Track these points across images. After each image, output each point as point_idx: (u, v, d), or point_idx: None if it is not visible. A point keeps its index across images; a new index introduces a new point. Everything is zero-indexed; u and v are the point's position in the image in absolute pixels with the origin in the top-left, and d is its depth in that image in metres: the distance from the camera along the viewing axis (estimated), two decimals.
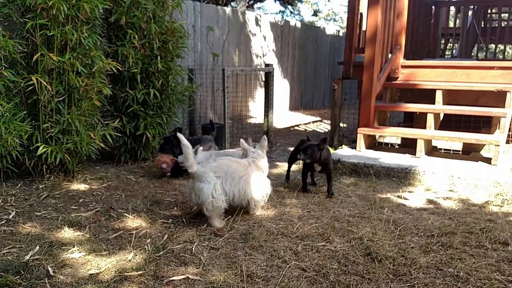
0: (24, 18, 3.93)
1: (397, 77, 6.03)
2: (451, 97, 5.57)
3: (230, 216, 3.40)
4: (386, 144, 5.74)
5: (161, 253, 2.74)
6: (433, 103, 5.45)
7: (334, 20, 21.09)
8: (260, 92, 9.26)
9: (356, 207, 3.71)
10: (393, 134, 5.52)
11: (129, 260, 2.63)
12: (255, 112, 9.23)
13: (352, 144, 5.78)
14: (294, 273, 2.52)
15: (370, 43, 5.36)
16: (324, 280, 2.46)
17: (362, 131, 5.38)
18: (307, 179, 4.25)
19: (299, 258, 2.71)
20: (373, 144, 5.65)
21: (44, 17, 3.90)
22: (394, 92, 6.18)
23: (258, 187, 3.40)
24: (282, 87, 10.18)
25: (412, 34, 7.54)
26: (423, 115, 5.41)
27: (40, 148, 3.91)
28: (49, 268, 2.48)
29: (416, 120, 5.96)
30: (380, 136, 5.71)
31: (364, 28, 6.11)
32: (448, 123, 5.63)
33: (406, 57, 6.44)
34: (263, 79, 6.51)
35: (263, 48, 9.58)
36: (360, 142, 5.36)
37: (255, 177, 3.39)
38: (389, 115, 6.38)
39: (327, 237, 3.03)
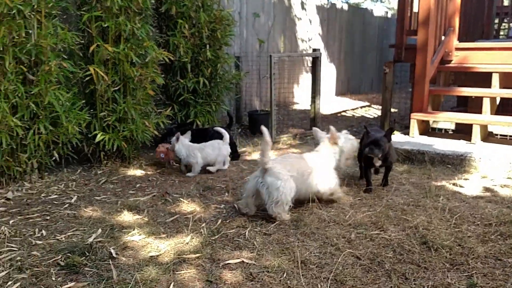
0: (80, 11, 4.10)
1: (451, 60, 5.78)
2: (508, 80, 5.28)
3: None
4: (440, 129, 5.54)
5: (216, 237, 2.82)
6: (489, 86, 5.19)
7: (381, 1, 20.40)
8: (305, 78, 9.17)
9: (410, 195, 3.63)
10: (448, 120, 5.33)
11: (187, 243, 2.73)
12: (300, 98, 9.16)
13: (404, 130, 5.63)
14: (348, 261, 2.52)
15: (423, 25, 5.16)
16: (379, 269, 2.44)
17: (415, 116, 5.22)
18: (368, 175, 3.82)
19: (352, 246, 2.70)
20: (426, 130, 5.48)
21: (98, 9, 4.04)
22: (448, 75, 5.94)
23: (325, 180, 3.36)
24: (328, 72, 10.02)
25: (465, 14, 7.17)
26: (478, 100, 5.17)
27: (98, 135, 4.10)
28: (112, 250, 2.61)
29: (470, 105, 5.71)
30: (433, 121, 5.53)
31: (415, 9, 5.89)
32: (505, 107, 5.35)
33: (460, 39, 6.15)
34: (309, 64, 6.44)
35: (309, 32, 9.45)
36: (414, 127, 5.21)
37: (321, 172, 3.36)
38: (443, 100, 6.15)
39: (381, 225, 2.99)
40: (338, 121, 7.40)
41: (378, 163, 3.65)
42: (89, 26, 4.07)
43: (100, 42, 4.06)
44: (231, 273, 2.39)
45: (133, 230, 2.91)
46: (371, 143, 3.50)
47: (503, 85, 5.23)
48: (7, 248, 2.63)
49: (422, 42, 5.18)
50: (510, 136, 5.09)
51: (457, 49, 5.79)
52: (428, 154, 4.50)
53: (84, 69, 4.07)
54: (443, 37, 5.75)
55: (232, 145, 4.62)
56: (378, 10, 12.81)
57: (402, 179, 4.05)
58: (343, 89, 10.77)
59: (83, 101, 4.17)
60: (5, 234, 2.81)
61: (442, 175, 4.16)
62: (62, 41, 3.85)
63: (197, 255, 2.58)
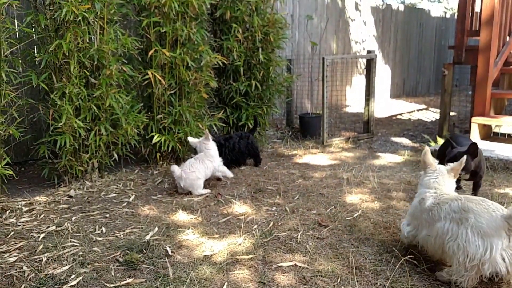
0: (139, 17, 4.25)
1: None
2: None
3: (333, 207, 3.39)
4: (503, 134, 5.24)
5: (268, 239, 2.82)
6: None
7: (439, 1, 19.63)
8: (358, 80, 8.99)
9: None
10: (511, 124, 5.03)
11: (239, 244, 2.75)
12: (353, 100, 8.99)
13: (464, 134, 5.37)
14: (405, 268, 2.43)
15: (486, 25, 4.91)
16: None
17: (476, 120, 4.97)
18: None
19: (409, 253, 2.60)
20: (488, 134, 5.20)
21: (157, 15, 4.18)
22: None
23: None
24: (383, 74, 9.76)
25: None
26: None
27: (155, 137, 4.24)
28: (168, 248, 2.68)
29: None
30: (496, 125, 5.23)
31: (477, 9, 5.62)
32: None
33: None
34: (362, 66, 6.31)
35: (363, 33, 9.26)
36: (474, 132, 4.96)
37: None
38: (506, 103, 5.82)
39: None
40: (393, 124, 7.18)
41: (465, 177, 3.31)
42: (148, 32, 4.22)
43: (158, 47, 4.19)
44: (283, 275, 2.38)
45: (188, 229, 2.97)
46: (450, 161, 2.88)
47: None
48: (70, 244, 2.77)
49: (485, 43, 4.93)
50: None
51: None
52: (490, 159, 4.26)
53: (142, 73, 4.22)
54: (507, 38, 5.44)
55: (254, 149, 4.62)
56: (436, 10, 12.34)
57: (463, 185, 3.86)
58: (398, 92, 10.45)
59: (141, 104, 4.33)
60: (68, 230, 2.97)
61: (506, 182, 3.93)
62: (123, 46, 4.01)
63: (250, 256, 2.59)
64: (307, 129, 6.13)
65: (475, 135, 4.95)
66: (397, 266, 2.45)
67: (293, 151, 5.36)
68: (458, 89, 7.42)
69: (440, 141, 5.31)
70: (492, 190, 3.71)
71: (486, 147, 4.67)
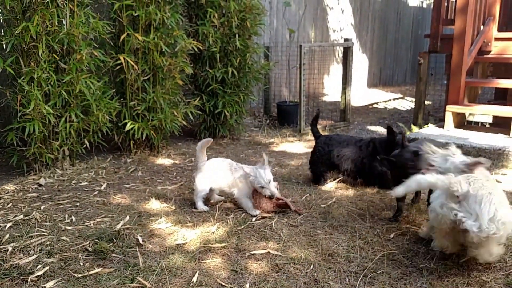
0: (111, 0, 4.11)
1: (490, 51, 5.53)
2: None
3: (308, 195, 3.38)
4: (476, 123, 5.33)
5: (242, 227, 2.79)
6: None
7: None
8: (335, 69, 9.00)
9: None
10: (485, 112, 5.11)
11: (213, 232, 2.71)
12: (330, 89, 9.00)
13: (439, 122, 5.44)
14: (378, 255, 2.44)
15: (461, 13, 4.95)
16: (411, 264, 2.35)
17: (450, 109, 5.03)
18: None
19: (382, 240, 2.62)
20: (462, 122, 5.27)
21: None
22: (486, 67, 5.69)
23: None
24: (360, 63, 9.80)
25: (506, 2, 6.84)
26: None
27: (128, 124, 4.14)
28: (139, 237, 2.62)
29: (510, 97, 5.45)
30: (469, 114, 5.31)
31: None
32: None
33: (500, 29, 5.87)
34: (340, 55, 6.31)
35: (341, 22, 9.25)
36: (449, 120, 5.02)
37: None
38: (480, 92, 5.91)
39: (412, 219, 2.89)
40: (370, 113, 7.23)
41: None
42: (120, 15, 4.09)
43: (131, 31, 4.07)
44: (256, 263, 2.36)
45: (160, 218, 2.92)
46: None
47: None
48: (38, 233, 2.68)
49: (459, 31, 4.97)
50: None
51: (497, 39, 5.53)
52: (463, 147, 4.32)
53: (114, 58, 4.10)
54: (482, 27, 5.50)
55: None
56: (413, 0, 12.42)
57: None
58: (375, 81, 10.52)
59: (114, 90, 4.22)
60: (36, 219, 2.87)
61: None
62: (94, 30, 3.88)
63: (223, 244, 2.55)
64: (285, 118, 6.11)
65: (449, 123, 5.01)
66: (369, 253, 2.46)
67: (270, 139, 5.34)
68: (434, 78, 7.50)
69: (415, 129, 5.36)
70: None
71: (460, 135, 4.73)
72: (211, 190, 3.14)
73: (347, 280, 2.20)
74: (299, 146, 5.01)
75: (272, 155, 4.61)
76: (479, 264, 2.33)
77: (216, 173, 3.11)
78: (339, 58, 9.00)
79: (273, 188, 2.95)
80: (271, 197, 2.93)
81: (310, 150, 4.79)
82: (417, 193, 3.14)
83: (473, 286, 2.15)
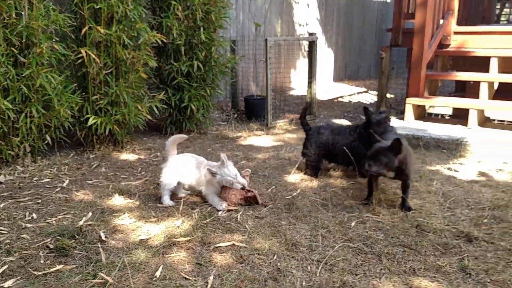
0: None
1: (449, 44, 5.73)
2: (507, 65, 5.23)
3: (274, 187, 3.42)
4: (436, 115, 5.52)
5: (207, 220, 2.80)
6: (487, 71, 5.15)
7: None
8: (302, 63, 9.09)
9: None
10: (444, 105, 5.29)
11: (178, 227, 2.71)
12: (297, 83, 9.08)
13: (400, 115, 5.59)
14: (339, 243, 2.50)
15: (421, 8, 5.09)
16: (370, 251, 2.43)
17: (411, 101, 5.18)
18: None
19: (344, 229, 2.69)
20: (422, 115, 5.45)
21: None
22: (446, 60, 5.88)
23: None
24: (325, 57, 9.93)
25: None
26: (476, 85, 5.13)
27: (90, 119, 4.06)
28: (102, 234, 2.59)
29: (468, 90, 5.67)
30: (430, 106, 5.49)
31: None
32: (503, 92, 5.31)
33: (459, 23, 6.08)
34: (306, 49, 6.37)
35: (306, 16, 9.33)
36: (409, 112, 5.18)
37: None
38: (440, 85, 6.11)
39: (373, 208, 2.98)
40: (335, 106, 7.35)
41: (390, 175, 2.89)
42: (81, 8, 3.99)
43: (92, 24, 3.99)
44: (221, 255, 2.38)
45: (124, 214, 2.89)
46: (370, 157, 2.80)
47: (501, 70, 5.19)
48: None
49: (419, 25, 5.11)
50: (507, 121, 5.07)
51: (456, 33, 5.73)
52: (423, 139, 4.47)
53: (76, 51, 4.00)
54: (441, 21, 5.68)
55: None
56: None
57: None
58: (341, 75, 10.69)
59: (75, 84, 4.12)
60: None
61: (437, 159, 4.14)
62: (54, 23, 3.77)
63: (188, 238, 2.56)
64: (252, 112, 6.13)
65: (409, 115, 5.17)
66: (330, 241, 2.53)
67: (238, 133, 5.35)
68: (397, 72, 7.71)
69: None
70: (424, 167, 3.89)
71: (420, 126, 4.89)
72: (178, 183, 3.14)
73: (309, 268, 2.26)
74: (266, 140, 5.05)
75: (239, 149, 4.63)
76: (435, 250, 2.44)
77: (185, 167, 3.13)
78: (305, 52, 9.09)
79: (241, 179, 3.04)
80: (243, 188, 3.03)
81: (278, 143, 4.87)
82: (376, 183, 3.22)
83: (430, 271, 2.25)
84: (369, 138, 3.03)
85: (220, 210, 2.97)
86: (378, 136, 2.91)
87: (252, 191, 3.06)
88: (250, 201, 3.07)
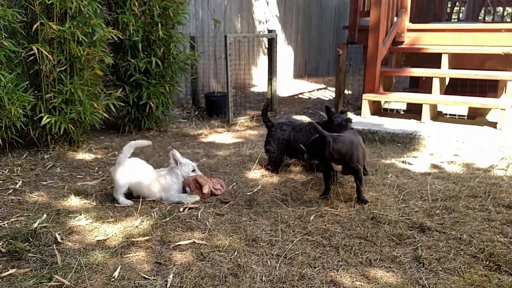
0: None
1: (403, 41, 5.92)
2: (457, 61, 5.47)
3: (235, 184, 3.43)
4: (392, 110, 5.70)
5: (167, 219, 2.78)
6: (439, 67, 5.36)
7: None
8: (263, 60, 9.13)
9: None
10: (398, 100, 5.47)
11: (136, 227, 2.67)
12: (259, 80, 9.14)
13: (357, 111, 5.74)
14: (298, 237, 2.55)
15: (375, 5, 5.24)
16: (328, 243, 2.49)
17: (367, 97, 5.33)
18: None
19: (303, 223, 2.74)
20: (378, 110, 5.61)
21: None
22: (400, 56, 6.08)
23: None
24: (286, 54, 10.03)
25: None
26: (429, 80, 5.34)
27: (44, 118, 3.92)
28: (57, 235, 2.52)
29: (421, 85, 5.89)
30: (385, 102, 5.66)
31: None
32: (453, 87, 5.56)
33: (412, 20, 6.30)
34: (266, 46, 6.41)
35: (266, 14, 9.38)
36: (365, 108, 5.32)
37: None
38: (394, 81, 6.31)
39: (331, 202, 3.05)
40: (295, 103, 7.45)
41: (337, 168, 3.05)
42: (32, 3, 3.84)
43: (44, 20, 3.84)
44: (181, 254, 2.37)
45: (80, 215, 2.82)
46: (307, 146, 2.99)
47: (452, 66, 5.41)
48: None
49: (374, 22, 5.25)
50: (458, 115, 5.31)
51: (409, 30, 5.92)
52: (378, 133, 4.61)
53: (27, 48, 3.85)
54: (395, 18, 5.86)
55: None
56: None
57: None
58: (301, 72, 10.83)
59: (27, 82, 3.95)
60: None
61: (392, 153, 4.29)
62: (2, 19, 3.61)
63: (147, 237, 2.53)
64: (213, 109, 6.11)
65: (365, 111, 5.31)
66: (290, 236, 2.57)
67: (199, 130, 5.32)
68: (355, 69, 7.89)
69: None
70: (379, 161, 4.02)
71: (375, 121, 5.04)
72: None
73: (268, 262, 2.29)
74: (227, 137, 5.05)
75: (200, 146, 4.61)
76: (390, 241, 2.53)
77: (141, 168, 3.14)
78: (265, 49, 9.14)
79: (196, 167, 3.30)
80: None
81: (239, 140, 4.88)
82: (333, 177, 3.30)
83: (385, 261, 2.33)
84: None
85: (192, 203, 3.07)
86: (322, 130, 2.93)
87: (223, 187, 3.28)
88: (214, 194, 3.21)
